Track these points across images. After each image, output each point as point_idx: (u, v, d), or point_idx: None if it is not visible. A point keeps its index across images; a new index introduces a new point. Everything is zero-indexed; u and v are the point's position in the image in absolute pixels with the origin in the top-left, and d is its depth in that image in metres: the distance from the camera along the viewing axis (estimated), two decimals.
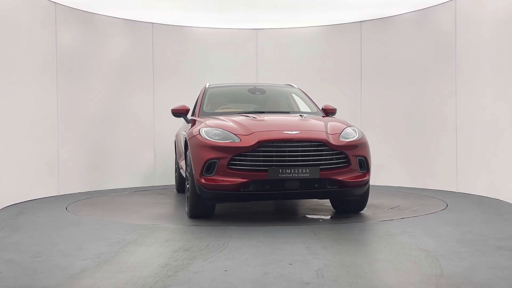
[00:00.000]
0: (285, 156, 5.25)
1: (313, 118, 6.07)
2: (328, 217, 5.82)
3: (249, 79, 9.64)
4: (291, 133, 5.38)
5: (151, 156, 9.39)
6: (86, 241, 4.58)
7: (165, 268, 3.61)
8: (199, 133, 5.56)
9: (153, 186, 9.23)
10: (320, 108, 6.88)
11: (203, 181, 5.31)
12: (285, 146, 5.27)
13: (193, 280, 3.32)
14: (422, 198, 7.33)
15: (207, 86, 7.31)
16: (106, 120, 8.80)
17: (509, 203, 6.61)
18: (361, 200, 5.93)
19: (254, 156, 5.24)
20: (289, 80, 8.35)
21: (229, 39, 9.92)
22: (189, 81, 9.50)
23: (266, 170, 5.19)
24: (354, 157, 5.49)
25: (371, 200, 7.01)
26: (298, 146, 5.29)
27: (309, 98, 7.09)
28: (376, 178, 9.22)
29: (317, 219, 5.69)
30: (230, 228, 5.10)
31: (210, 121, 5.83)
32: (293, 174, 5.20)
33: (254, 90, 7.24)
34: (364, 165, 5.61)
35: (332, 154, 5.39)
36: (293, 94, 7.25)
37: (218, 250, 4.13)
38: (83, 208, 6.58)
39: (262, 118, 5.83)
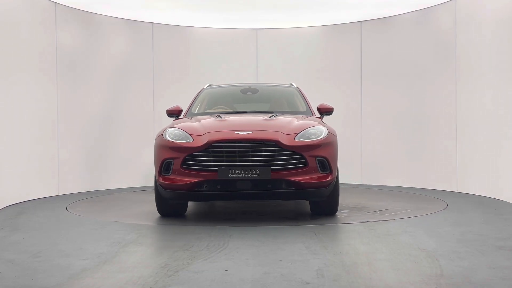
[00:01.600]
0: (235, 156, 5.24)
1: (284, 117, 5.95)
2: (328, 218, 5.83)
3: (249, 79, 9.63)
4: (242, 133, 5.36)
5: (151, 156, 9.35)
6: (86, 241, 4.58)
7: (165, 268, 3.61)
8: (162, 134, 5.70)
9: (153, 186, 9.20)
10: (315, 108, 6.81)
11: (161, 180, 5.46)
12: (235, 146, 5.26)
13: (193, 280, 3.32)
14: (422, 198, 7.32)
15: (205, 86, 7.38)
16: (106, 120, 8.80)
17: (510, 203, 6.61)
18: (330, 202, 5.68)
19: (205, 156, 5.30)
20: (289, 80, 8.34)
21: (229, 39, 9.91)
22: (189, 81, 9.49)
23: (216, 170, 5.22)
24: (312, 157, 5.32)
25: (364, 201, 7.01)
26: (249, 146, 5.26)
27: (303, 97, 6.98)
28: (376, 178, 9.23)
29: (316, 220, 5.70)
30: (230, 228, 5.09)
31: (181, 123, 5.92)
32: (243, 175, 5.17)
33: (246, 90, 7.24)
34: (326, 166, 5.39)
35: (286, 155, 5.29)
36: (287, 94, 7.16)
37: (218, 250, 4.13)
38: (83, 208, 6.58)
39: (225, 119, 5.91)
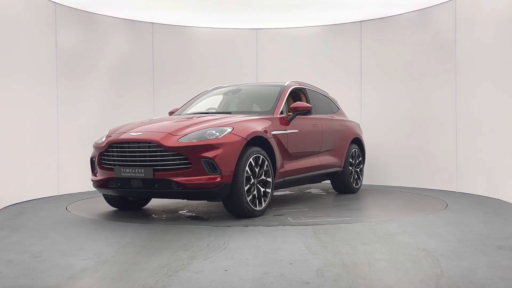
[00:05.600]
0: (125, 156, 5.61)
1: (205, 117, 6.05)
2: (328, 217, 5.83)
3: (249, 79, 9.64)
4: (134, 134, 5.67)
5: None
6: (86, 241, 4.58)
7: (165, 268, 3.61)
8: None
9: None
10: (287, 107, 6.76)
11: (92, 176, 6.06)
12: (126, 147, 5.60)
13: (193, 280, 3.32)
14: (421, 198, 7.33)
15: (209, 88, 7.54)
16: (106, 120, 8.79)
17: (509, 203, 6.61)
18: (236, 205, 5.55)
19: (108, 155, 5.77)
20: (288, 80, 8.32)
21: (229, 39, 9.92)
22: (189, 81, 9.50)
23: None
24: (197, 158, 5.30)
25: (336, 202, 7.00)
26: (137, 147, 5.53)
27: (279, 97, 6.72)
28: (376, 178, 9.23)
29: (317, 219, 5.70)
30: (230, 228, 5.10)
31: (122, 126, 6.20)
32: (131, 174, 5.49)
33: (228, 92, 7.33)
34: (216, 167, 5.32)
35: (168, 155, 5.36)
36: (263, 94, 7.05)
37: (218, 250, 4.13)
38: (83, 208, 6.59)
39: (147, 120, 6.33)
